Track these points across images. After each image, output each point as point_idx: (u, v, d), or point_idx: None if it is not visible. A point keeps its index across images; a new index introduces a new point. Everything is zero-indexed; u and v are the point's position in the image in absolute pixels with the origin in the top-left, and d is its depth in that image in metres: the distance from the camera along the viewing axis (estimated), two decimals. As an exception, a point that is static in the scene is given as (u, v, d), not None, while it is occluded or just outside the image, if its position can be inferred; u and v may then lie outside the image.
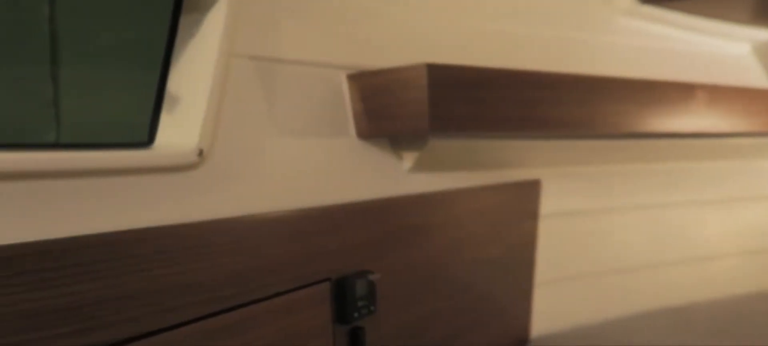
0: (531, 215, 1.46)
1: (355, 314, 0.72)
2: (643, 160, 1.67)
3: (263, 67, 1.06)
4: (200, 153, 0.94)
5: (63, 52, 1.05)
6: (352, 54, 1.21)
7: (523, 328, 1.38)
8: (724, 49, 2.00)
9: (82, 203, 0.85)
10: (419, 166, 1.28)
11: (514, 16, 1.51)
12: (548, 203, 1.52)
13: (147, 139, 1.00)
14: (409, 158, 1.27)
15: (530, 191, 1.47)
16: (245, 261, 0.57)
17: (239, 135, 1.01)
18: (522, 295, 1.40)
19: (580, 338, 1.47)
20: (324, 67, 1.17)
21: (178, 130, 0.98)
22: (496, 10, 1.48)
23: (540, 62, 1.52)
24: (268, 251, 0.61)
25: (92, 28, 1.06)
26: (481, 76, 1.16)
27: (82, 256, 0.43)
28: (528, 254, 1.44)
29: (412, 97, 1.11)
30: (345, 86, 1.20)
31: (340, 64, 1.19)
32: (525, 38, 1.53)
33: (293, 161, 1.08)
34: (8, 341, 0.38)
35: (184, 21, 1.05)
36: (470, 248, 1.13)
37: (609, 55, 1.77)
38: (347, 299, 0.72)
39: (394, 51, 1.27)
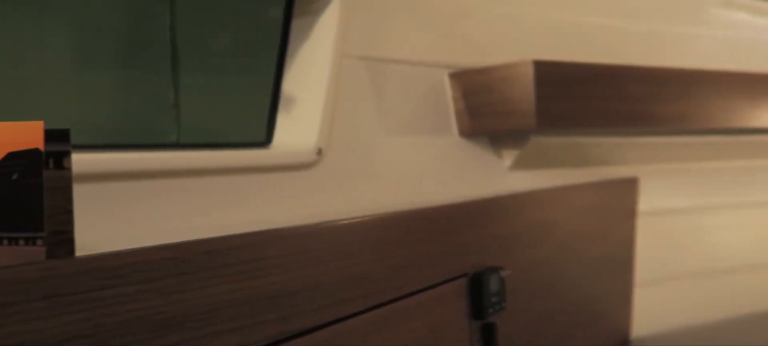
0: (629, 213, 1.43)
1: (490, 310, 0.73)
2: (745, 156, 1.60)
3: (372, 67, 1.09)
4: (319, 152, 0.96)
5: (182, 57, 1.10)
6: (454, 53, 1.22)
7: (624, 328, 1.36)
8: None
9: (211, 200, 0.89)
10: (519, 165, 1.27)
11: (609, 10, 1.48)
12: (646, 201, 1.49)
13: (265, 139, 1.04)
14: (509, 156, 1.27)
15: (628, 188, 1.44)
16: (403, 254, 0.59)
17: (352, 134, 1.04)
18: (622, 295, 1.37)
19: (681, 341, 1.43)
20: (427, 66, 1.18)
21: (295, 130, 1.01)
22: (590, 4, 1.46)
23: (635, 56, 1.48)
24: (417, 246, 0.62)
25: (209, 35, 1.10)
26: (587, 72, 1.15)
27: (279, 248, 0.45)
28: (627, 253, 1.41)
29: (518, 94, 1.11)
30: (447, 85, 1.21)
31: (441, 63, 1.20)
32: (620, 32, 1.50)
33: (400, 159, 1.10)
34: (229, 326, 0.41)
35: (295, 24, 1.08)
36: (576, 246, 1.12)
37: (703, 48, 1.71)
38: (482, 295, 0.72)
39: (493, 49, 1.27)
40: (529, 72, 1.09)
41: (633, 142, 1.42)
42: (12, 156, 0.43)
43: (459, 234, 0.72)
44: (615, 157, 1.45)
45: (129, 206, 0.72)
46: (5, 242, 0.42)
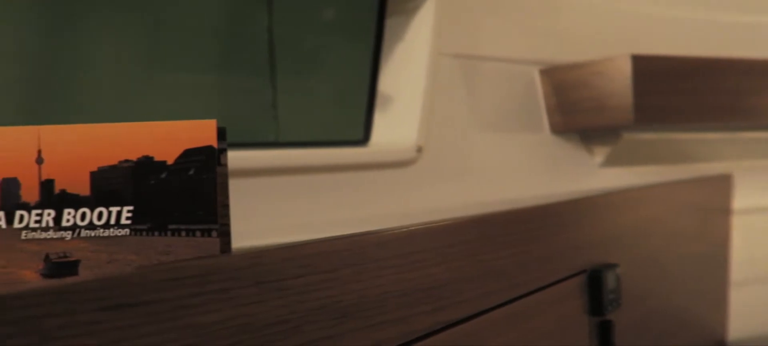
0: (724, 211, 1.38)
1: (608, 307, 0.73)
2: None
3: (465, 64, 1.09)
4: (419, 149, 0.98)
5: (280, 58, 1.13)
6: (544, 49, 1.21)
7: (720, 329, 1.31)
8: None
9: (313, 197, 0.91)
10: (611, 161, 1.25)
11: (701, 1, 1.43)
12: (741, 199, 1.43)
13: (362, 138, 1.06)
14: (600, 153, 1.25)
15: (723, 186, 1.39)
16: (528, 250, 0.60)
17: (447, 131, 1.05)
18: (718, 295, 1.33)
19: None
20: (518, 63, 1.17)
21: (393, 128, 1.02)
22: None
23: (730, 49, 1.43)
24: (539, 242, 0.63)
25: (304, 35, 1.13)
26: (685, 66, 1.12)
27: (432, 241, 0.47)
28: (722, 252, 1.36)
29: (614, 89, 1.09)
30: (538, 81, 1.20)
31: (532, 60, 1.19)
32: (713, 24, 1.45)
33: (493, 156, 1.10)
34: (394, 316, 0.42)
35: (389, 24, 1.09)
36: (675, 245, 1.09)
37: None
38: (601, 291, 0.72)
39: (583, 45, 1.25)
40: (627, 66, 1.07)
41: (726, 138, 1.37)
42: (188, 153, 0.45)
43: (574, 231, 0.72)
44: (707, 153, 1.41)
45: (234, 203, 0.75)
46: (183, 233, 0.45)
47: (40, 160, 0.45)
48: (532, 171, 1.15)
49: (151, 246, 0.45)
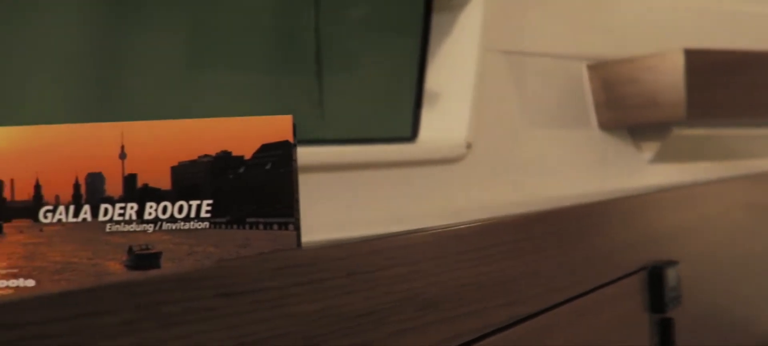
0: (777, 209, 1.35)
1: (669, 305, 0.72)
2: None
3: (512, 60, 1.08)
4: (468, 146, 0.97)
5: (326, 56, 1.14)
6: (592, 44, 1.19)
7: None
8: None
9: (361, 193, 0.92)
10: (660, 158, 1.23)
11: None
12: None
13: (409, 134, 1.06)
14: (649, 149, 1.23)
15: (775, 183, 1.35)
16: (591, 246, 0.59)
17: (496, 128, 1.04)
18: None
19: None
20: (565, 58, 1.16)
21: (442, 124, 1.02)
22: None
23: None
24: (601, 238, 0.62)
25: (350, 33, 1.14)
26: (740, 60, 1.09)
27: (506, 234, 0.47)
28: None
29: (667, 84, 1.07)
30: (585, 77, 1.18)
31: (580, 55, 1.18)
32: (764, 18, 1.41)
33: (541, 152, 1.09)
34: (473, 309, 0.43)
35: (436, 20, 1.09)
36: (732, 243, 1.07)
37: None
38: (662, 289, 0.71)
39: (631, 39, 1.23)
40: (680, 61, 1.05)
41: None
42: (265, 147, 0.46)
43: (634, 228, 0.71)
44: (759, 149, 1.37)
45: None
46: (261, 226, 0.46)
47: (123, 156, 0.46)
48: (579, 167, 1.14)
49: (230, 239, 0.46)
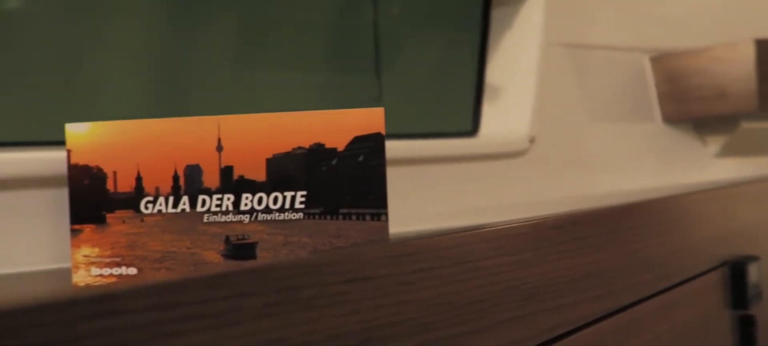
0: None
1: (751, 301, 0.70)
2: None
3: (574, 54, 1.07)
4: (531, 140, 0.97)
5: (384, 51, 1.14)
6: (654, 36, 1.17)
7: None
8: None
9: (424, 188, 0.92)
10: (726, 151, 1.19)
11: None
12: None
13: (470, 129, 1.06)
14: (715, 143, 1.19)
15: None
16: (676, 239, 0.58)
17: (558, 122, 1.03)
18: None
19: None
20: (627, 50, 1.14)
21: (503, 119, 1.02)
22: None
23: None
24: (682, 233, 0.61)
25: (409, 28, 1.14)
26: (814, 49, 1.05)
27: (593, 228, 0.46)
28: None
29: (736, 75, 1.04)
30: (648, 70, 1.16)
31: (642, 47, 1.16)
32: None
33: (604, 146, 1.08)
34: (568, 300, 0.43)
35: (495, 14, 1.09)
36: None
37: None
38: (744, 285, 0.69)
39: (695, 31, 1.20)
40: (750, 51, 1.02)
41: None
42: (358, 140, 0.47)
43: (712, 222, 0.69)
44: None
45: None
46: (354, 217, 0.47)
47: (220, 148, 0.48)
48: (643, 162, 1.12)
49: (324, 229, 0.47)
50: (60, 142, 0.62)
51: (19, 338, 0.18)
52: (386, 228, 0.45)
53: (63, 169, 0.56)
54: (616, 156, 1.08)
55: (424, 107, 1.12)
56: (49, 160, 0.54)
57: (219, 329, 0.23)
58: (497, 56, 1.06)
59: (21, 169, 0.55)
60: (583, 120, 1.06)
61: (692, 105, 1.12)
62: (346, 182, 0.46)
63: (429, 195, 0.94)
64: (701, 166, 1.17)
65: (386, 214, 0.46)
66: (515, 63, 1.03)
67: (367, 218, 0.46)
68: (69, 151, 0.49)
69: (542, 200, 0.97)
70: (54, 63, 0.74)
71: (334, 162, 0.47)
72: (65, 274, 0.54)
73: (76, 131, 0.49)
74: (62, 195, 0.58)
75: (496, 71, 1.06)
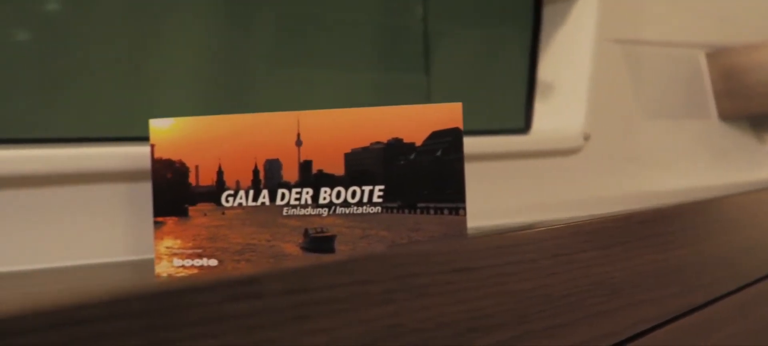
0: None
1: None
2: None
3: (628, 50, 1.06)
4: (586, 137, 0.96)
5: (434, 49, 1.15)
6: (710, 32, 1.15)
7: None
8: None
9: (477, 185, 0.92)
10: (784, 149, 1.16)
11: None
12: None
13: (523, 126, 1.05)
14: (773, 140, 1.17)
15: None
16: (748, 237, 0.57)
17: (612, 119, 1.02)
18: None
19: None
20: (682, 47, 1.12)
21: (556, 116, 1.01)
22: None
23: None
24: (760, 228, 0.60)
25: (459, 26, 1.14)
26: None
27: (673, 224, 0.46)
28: None
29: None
30: (704, 66, 1.14)
31: (697, 43, 1.13)
32: None
33: (659, 143, 1.06)
34: (653, 295, 0.42)
35: (547, 11, 1.08)
36: None
37: None
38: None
39: (752, 26, 1.17)
40: (812, 46, 0.99)
41: None
42: (436, 135, 0.47)
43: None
44: None
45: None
46: (431, 211, 0.47)
47: (299, 143, 0.49)
48: (698, 159, 1.09)
49: (402, 223, 0.47)
50: (117, 139, 0.64)
51: (179, 316, 0.19)
52: (464, 222, 0.46)
53: (132, 164, 0.57)
54: (671, 153, 1.07)
55: (475, 105, 1.12)
56: (114, 155, 0.56)
57: (344, 313, 0.24)
58: (550, 53, 1.06)
59: (90, 164, 0.57)
60: (638, 117, 1.05)
61: (749, 102, 1.10)
62: (424, 176, 0.47)
63: (481, 192, 0.94)
64: (758, 164, 1.15)
65: (464, 208, 0.46)
66: (568, 60, 1.02)
67: (445, 212, 0.46)
68: (153, 146, 0.50)
69: (596, 198, 0.96)
70: (117, 60, 0.76)
71: (412, 157, 0.47)
72: (146, 265, 0.56)
73: (160, 127, 0.50)
74: (133, 189, 0.60)
75: (548, 68, 1.05)
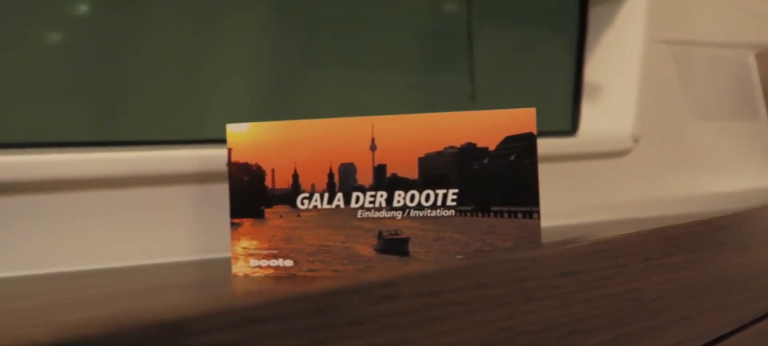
0: None
1: None
2: None
3: (677, 50, 1.05)
4: (636, 139, 0.96)
5: (477, 51, 1.15)
6: (760, 31, 1.13)
7: None
8: None
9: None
10: (836, 151, 1.14)
11: None
12: None
13: (569, 128, 1.05)
14: (824, 142, 1.14)
15: None
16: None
17: (661, 120, 1.01)
18: None
19: None
20: (731, 47, 1.11)
21: (604, 118, 1.01)
22: None
23: None
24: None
25: (503, 28, 1.15)
26: None
27: (750, 227, 0.46)
28: None
29: None
30: (753, 66, 1.12)
31: (747, 43, 1.12)
32: None
33: (709, 145, 1.05)
34: (730, 300, 0.43)
35: (594, 12, 1.08)
36: None
37: None
38: None
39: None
40: None
41: None
42: (509, 139, 0.48)
43: None
44: None
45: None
46: (505, 215, 0.48)
47: (373, 147, 0.50)
48: (749, 161, 1.08)
49: (475, 226, 0.48)
50: (184, 141, 0.66)
51: (328, 317, 0.20)
52: (538, 226, 0.46)
53: (201, 166, 0.59)
54: (721, 155, 1.06)
55: (521, 106, 1.12)
56: (186, 158, 0.58)
57: (467, 315, 0.25)
58: (597, 54, 1.05)
59: (163, 166, 0.59)
60: (687, 118, 1.04)
61: (802, 103, 1.08)
62: (498, 180, 0.48)
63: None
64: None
65: (538, 212, 0.47)
66: (617, 61, 1.02)
67: (519, 215, 0.47)
68: (230, 150, 0.52)
69: (646, 200, 0.95)
70: (176, 65, 0.78)
71: (485, 161, 0.48)
72: (216, 264, 0.57)
73: (237, 131, 0.52)
74: (202, 190, 0.62)
75: (596, 69, 1.05)
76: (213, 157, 0.60)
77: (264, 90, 0.92)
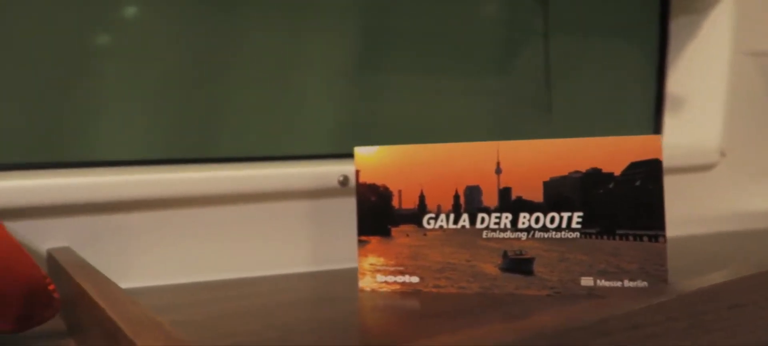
0: None
1: None
2: None
3: (761, 62, 1.04)
4: (722, 153, 0.95)
5: (554, 61, 1.16)
6: None
7: None
8: None
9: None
10: None
11: None
12: None
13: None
14: None
15: None
16: None
17: (748, 133, 1.00)
18: None
19: None
20: (818, 57, 1.08)
21: (688, 130, 1.01)
22: None
23: None
24: None
25: (580, 38, 1.15)
26: None
27: None
28: None
29: None
30: (842, 77, 1.10)
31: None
32: None
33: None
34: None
35: (675, 24, 1.07)
36: None
37: None
38: None
39: None
40: None
41: None
42: (633, 165, 0.50)
43: None
44: None
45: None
46: (630, 238, 0.50)
47: (498, 171, 0.52)
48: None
49: (600, 248, 0.50)
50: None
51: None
52: (665, 249, 0.48)
53: (312, 183, 0.63)
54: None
55: (598, 117, 1.13)
56: (297, 175, 0.62)
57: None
58: (680, 66, 1.05)
59: (277, 183, 0.63)
60: (772, 131, 1.03)
61: None
62: (623, 204, 0.49)
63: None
64: None
65: (664, 236, 0.48)
66: (701, 73, 1.01)
67: (644, 239, 0.49)
68: (358, 171, 0.55)
69: (733, 213, 0.95)
70: (273, 83, 0.82)
71: (610, 186, 0.50)
72: (333, 276, 0.61)
73: (364, 153, 0.55)
74: (313, 205, 0.65)
75: (678, 82, 1.04)
76: (322, 173, 0.64)
77: (354, 100, 0.95)
